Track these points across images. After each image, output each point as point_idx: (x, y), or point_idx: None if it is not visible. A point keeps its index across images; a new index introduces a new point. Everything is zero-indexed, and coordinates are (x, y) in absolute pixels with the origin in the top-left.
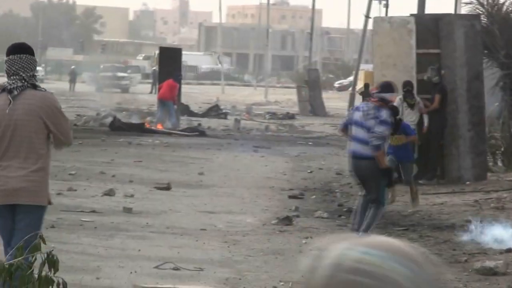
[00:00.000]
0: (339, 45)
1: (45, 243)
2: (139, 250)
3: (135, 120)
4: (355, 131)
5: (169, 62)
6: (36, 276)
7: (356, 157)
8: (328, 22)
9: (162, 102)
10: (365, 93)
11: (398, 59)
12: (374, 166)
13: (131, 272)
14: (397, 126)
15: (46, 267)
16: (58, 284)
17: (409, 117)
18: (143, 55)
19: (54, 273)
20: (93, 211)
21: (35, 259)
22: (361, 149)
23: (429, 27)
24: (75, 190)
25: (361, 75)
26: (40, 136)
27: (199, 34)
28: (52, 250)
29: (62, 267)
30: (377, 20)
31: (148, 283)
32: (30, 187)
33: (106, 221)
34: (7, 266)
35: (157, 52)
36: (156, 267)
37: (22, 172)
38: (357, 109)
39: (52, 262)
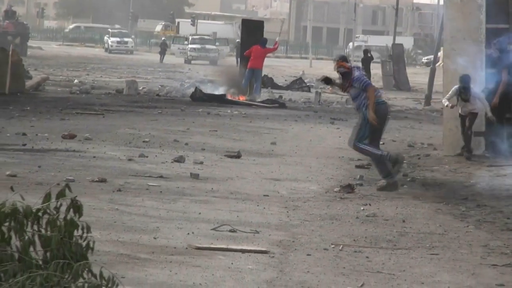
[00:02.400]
0: (430, 20)
1: (70, 191)
2: (200, 213)
3: (216, 91)
4: None
5: (252, 34)
6: (62, 220)
7: None
8: None
9: (252, 71)
10: (364, 59)
11: (467, 33)
12: None
13: (188, 233)
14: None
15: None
16: (82, 228)
17: (464, 109)
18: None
19: (79, 218)
20: (161, 177)
21: (61, 204)
22: None
23: (498, 2)
24: (146, 157)
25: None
26: None
27: (290, 7)
28: (76, 196)
29: (122, 227)
30: None
31: (203, 244)
32: None
33: (172, 186)
34: (34, 210)
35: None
36: (213, 229)
37: None
38: None
39: (76, 207)
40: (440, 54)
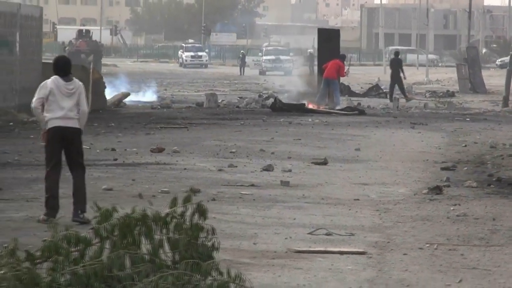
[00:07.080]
0: (501, 23)
1: (195, 195)
2: (294, 218)
3: (295, 101)
4: None
5: (327, 43)
6: (188, 224)
7: None
8: (490, 0)
9: (327, 81)
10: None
11: None
12: None
13: (286, 238)
14: None
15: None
16: (207, 231)
17: None
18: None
19: (204, 221)
20: (252, 185)
21: (186, 209)
22: None
23: None
24: (236, 167)
25: None
26: None
27: (361, 15)
28: (201, 201)
29: (222, 235)
30: None
31: (301, 247)
32: None
33: (264, 193)
34: (163, 215)
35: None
36: (310, 233)
37: None
38: None
39: (201, 211)
40: None
